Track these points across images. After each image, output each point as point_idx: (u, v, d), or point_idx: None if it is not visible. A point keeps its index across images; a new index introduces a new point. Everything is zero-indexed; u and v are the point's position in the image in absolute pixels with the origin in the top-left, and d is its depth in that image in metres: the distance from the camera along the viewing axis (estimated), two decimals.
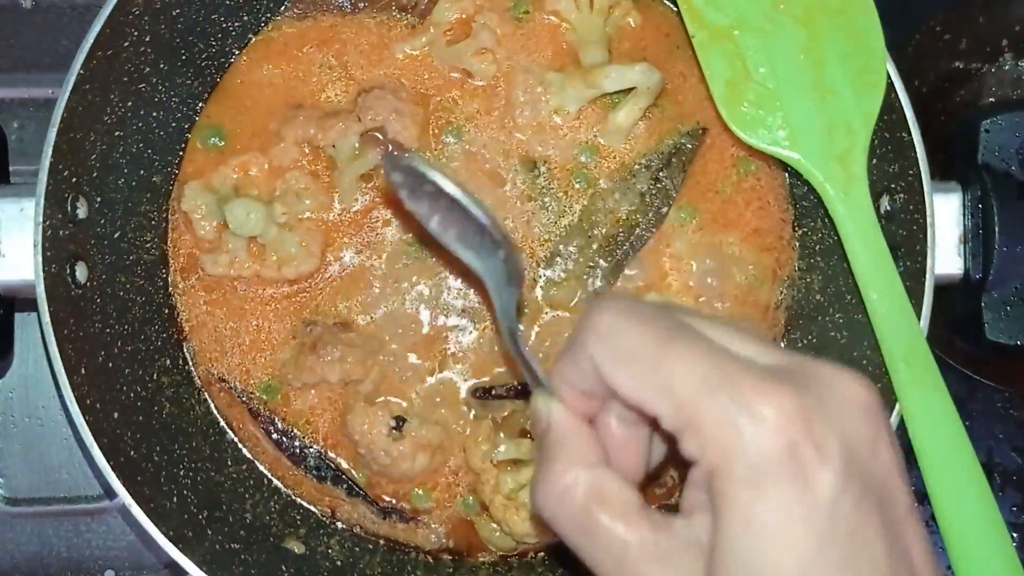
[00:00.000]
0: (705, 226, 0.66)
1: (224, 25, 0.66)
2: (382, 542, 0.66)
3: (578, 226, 0.66)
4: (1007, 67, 0.84)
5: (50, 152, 0.57)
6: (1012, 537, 0.73)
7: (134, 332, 0.63)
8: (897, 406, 0.57)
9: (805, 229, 0.67)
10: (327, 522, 0.66)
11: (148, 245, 0.65)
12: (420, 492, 0.65)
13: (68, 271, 0.58)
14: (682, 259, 0.66)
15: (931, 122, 0.69)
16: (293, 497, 0.66)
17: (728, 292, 0.66)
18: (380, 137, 0.65)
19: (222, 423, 0.66)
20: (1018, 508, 0.82)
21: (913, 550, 0.36)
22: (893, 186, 0.61)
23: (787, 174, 0.67)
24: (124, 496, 0.56)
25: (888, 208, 0.61)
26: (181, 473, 0.62)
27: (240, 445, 0.66)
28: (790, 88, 0.60)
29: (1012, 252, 0.59)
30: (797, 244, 0.67)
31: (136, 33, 0.61)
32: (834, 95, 0.59)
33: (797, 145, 0.60)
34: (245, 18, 0.67)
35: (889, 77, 0.59)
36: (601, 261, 0.65)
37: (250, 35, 0.67)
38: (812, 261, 0.67)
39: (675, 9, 0.66)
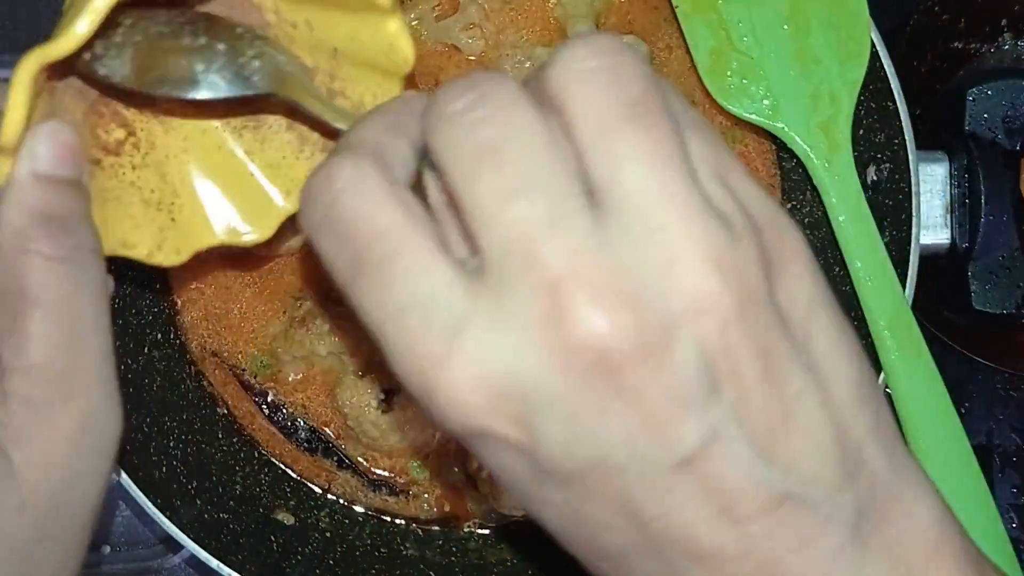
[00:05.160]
0: None
1: None
2: (372, 514, 0.66)
3: None
4: (1006, 47, 0.83)
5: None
6: (1012, 518, 0.73)
7: (125, 305, 0.63)
8: (882, 375, 0.57)
9: (793, 203, 0.67)
10: (318, 494, 0.66)
11: None
12: (416, 464, 0.66)
13: None
14: None
15: (923, 96, 0.69)
16: (284, 470, 0.66)
17: None
18: None
19: (214, 396, 0.67)
20: (1018, 489, 0.82)
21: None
22: (879, 156, 0.61)
23: (775, 146, 0.67)
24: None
25: (875, 178, 0.61)
26: (171, 445, 0.62)
27: (232, 418, 0.67)
28: (774, 57, 0.60)
29: (998, 221, 0.59)
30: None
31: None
32: (818, 64, 0.59)
33: (781, 114, 0.60)
34: None
35: (874, 45, 0.59)
36: None
37: None
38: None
39: None
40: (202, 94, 0.44)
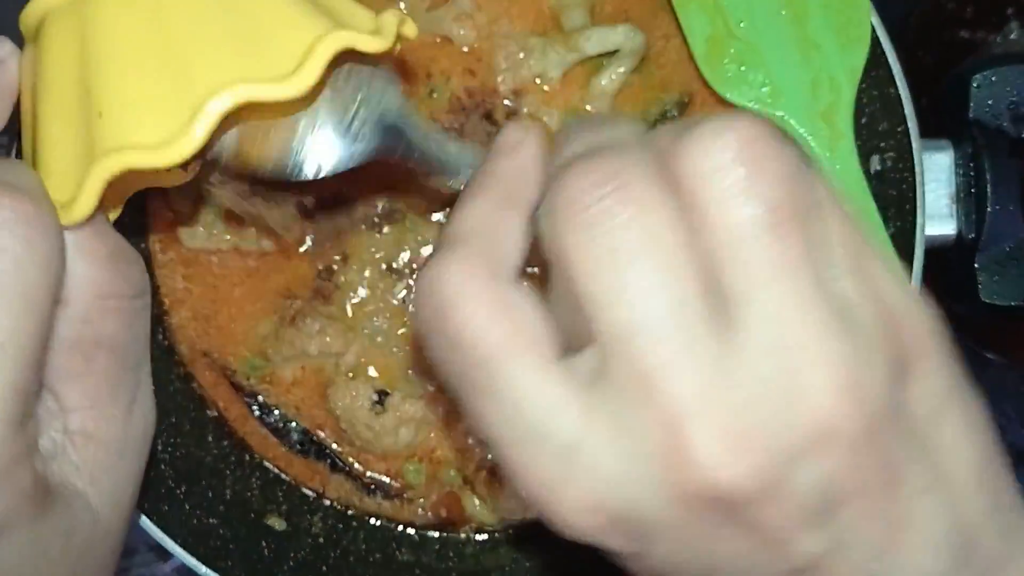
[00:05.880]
0: None
1: None
2: (366, 518, 0.65)
3: None
4: (1013, 36, 0.82)
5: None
6: None
7: None
8: None
9: None
10: (310, 498, 0.65)
11: (124, 219, 0.64)
12: (412, 468, 0.64)
13: None
14: None
15: (927, 84, 0.67)
16: (276, 473, 0.65)
17: None
18: None
19: (204, 398, 0.65)
20: None
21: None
22: (883, 145, 0.59)
23: None
24: None
25: (878, 167, 0.59)
26: (159, 448, 0.61)
27: (222, 420, 0.65)
28: (773, 44, 0.58)
29: (1004, 210, 0.57)
30: None
31: None
32: (818, 50, 0.58)
33: (780, 102, 0.58)
34: None
35: (874, 31, 0.57)
36: None
37: None
38: None
39: None
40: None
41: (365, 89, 0.40)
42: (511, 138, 0.35)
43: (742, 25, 0.59)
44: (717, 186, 0.28)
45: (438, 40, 0.66)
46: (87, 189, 0.36)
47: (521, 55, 0.65)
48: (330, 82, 0.39)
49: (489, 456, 0.61)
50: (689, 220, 0.29)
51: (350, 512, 0.65)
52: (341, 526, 0.65)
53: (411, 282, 0.64)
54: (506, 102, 0.64)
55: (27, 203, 0.35)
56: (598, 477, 0.29)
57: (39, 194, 0.36)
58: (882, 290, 0.30)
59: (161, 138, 0.35)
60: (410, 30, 0.42)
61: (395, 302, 0.64)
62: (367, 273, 0.64)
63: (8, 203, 0.34)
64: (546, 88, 0.65)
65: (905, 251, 0.57)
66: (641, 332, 0.28)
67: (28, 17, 0.39)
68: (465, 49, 0.65)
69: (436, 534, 0.65)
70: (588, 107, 0.65)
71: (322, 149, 0.40)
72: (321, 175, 0.40)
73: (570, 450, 0.29)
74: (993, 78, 0.59)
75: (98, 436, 0.39)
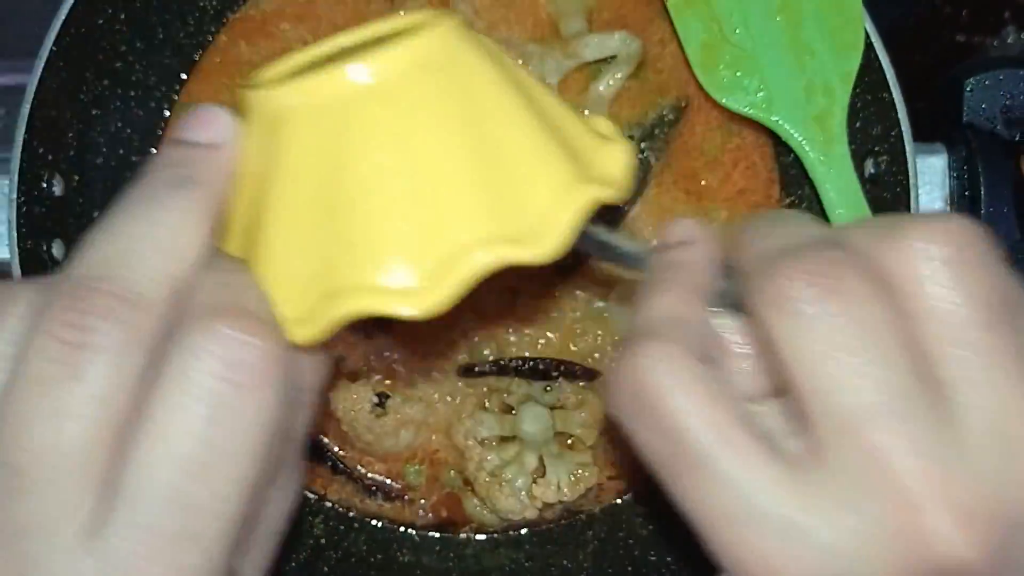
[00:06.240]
0: (691, 189, 0.65)
1: (201, 3, 0.66)
2: (367, 519, 0.65)
3: None
4: (1009, 39, 0.83)
5: (24, 129, 0.57)
6: None
7: None
8: None
9: (792, 198, 0.66)
10: (311, 500, 0.65)
11: None
12: (412, 469, 0.65)
13: (44, 248, 0.58)
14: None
15: (921, 87, 0.68)
16: None
17: None
18: None
19: None
20: None
21: None
22: (877, 148, 0.60)
23: (773, 139, 0.66)
24: None
25: (872, 171, 0.60)
26: None
27: None
28: (767, 49, 0.59)
29: (998, 213, 0.58)
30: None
31: (110, 10, 0.61)
32: (812, 55, 0.58)
33: (775, 107, 0.59)
34: None
35: (868, 36, 0.58)
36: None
37: (228, 13, 0.67)
38: None
39: None
40: None
41: None
42: (686, 232, 0.38)
43: (737, 31, 0.59)
44: (933, 288, 0.31)
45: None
46: (325, 321, 0.35)
47: (519, 61, 0.65)
48: None
49: (491, 458, 0.62)
50: (903, 317, 0.31)
51: (351, 514, 0.65)
52: (342, 527, 0.65)
53: None
54: None
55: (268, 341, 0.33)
56: (823, 554, 0.30)
57: (272, 322, 0.35)
58: None
59: (409, 286, 0.34)
60: (612, 198, 0.39)
61: None
62: None
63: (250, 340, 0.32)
64: None
65: None
66: (869, 418, 0.30)
67: (271, 100, 0.37)
68: None
69: (436, 535, 0.65)
70: (585, 112, 0.65)
71: None
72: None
73: (792, 529, 0.30)
74: (986, 82, 0.60)
75: (270, 513, 0.39)
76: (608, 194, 0.37)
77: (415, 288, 0.34)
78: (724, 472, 0.31)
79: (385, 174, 0.35)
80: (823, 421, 0.30)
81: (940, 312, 0.31)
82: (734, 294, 0.36)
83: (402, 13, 0.65)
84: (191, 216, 0.35)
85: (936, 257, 0.31)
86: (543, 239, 0.35)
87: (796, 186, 0.65)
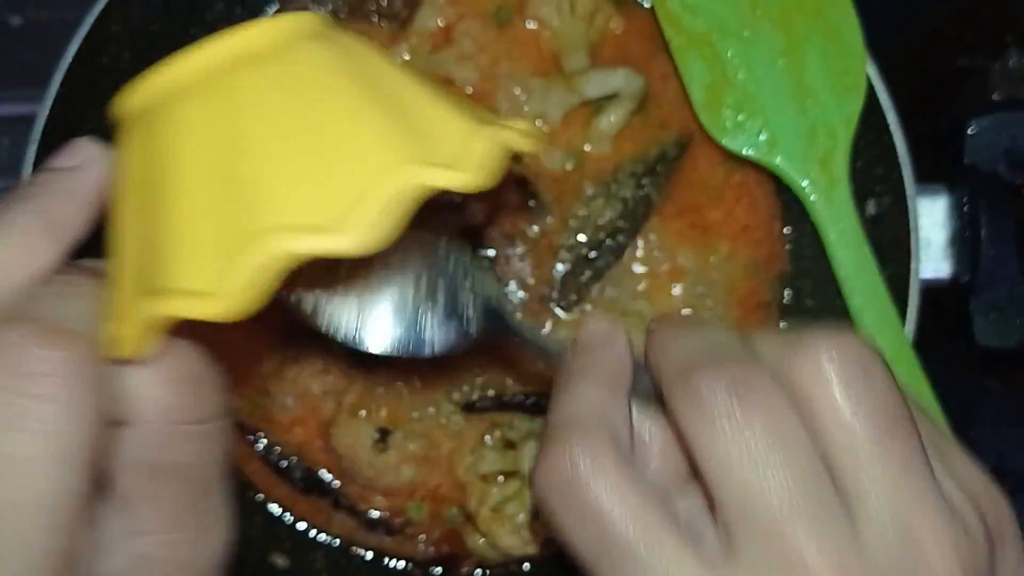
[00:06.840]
0: (695, 223, 0.66)
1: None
2: (369, 555, 0.66)
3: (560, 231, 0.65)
4: (1011, 63, 0.82)
5: (30, 169, 0.57)
6: None
7: None
8: None
9: (797, 234, 0.66)
10: (313, 536, 0.65)
11: None
12: (414, 505, 0.65)
13: None
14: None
15: (923, 126, 0.68)
16: (279, 511, 0.66)
17: (717, 289, 0.65)
18: None
19: None
20: None
21: None
22: (878, 189, 0.60)
23: (775, 176, 0.66)
24: None
25: (874, 212, 0.60)
26: None
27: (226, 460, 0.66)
28: (770, 92, 0.59)
29: (1000, 254, 0.58)
30: (789, 246, 0.66)
31: (115, 49, 0.61)
32: (814, 98, 0.58)
33: (778, 149, 0.59)
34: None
35: (870, 79, 0.58)
36: (585, 269, 0.65)
37: None
38: (802, 266, 0.66)
39: None
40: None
41: (468, 272, 0.41)
42: (602, 329, 0.41)
43: (740, 75, 0.59)
44: (831, 398, 0.34)
45: (441, 81, 0.66)
46: (248, 272, 0.33)
47: (522, 96, 0.65)
48: (434, 263, 0.40)
49: (493, 493, 0.62)
50: (809, 425, 0.34)
51: (352, 549, 0.66)
52: (344, 562, 0.65)
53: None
54: None
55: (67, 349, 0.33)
56: None
57: (87, 337, 0.34)
58: (968, 477, 0.36)
59: (331, 219, 0.33)
60: (526, 145, 0.38)
61: None
62: None
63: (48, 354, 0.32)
64: (547, 128, 0.65)
65: (900, 295, 0.58)
66: (779, 519, 0.32)
67: (148, 88, 0.37)
68: (468, 90, 0.66)
69: (438, 570, 0.66)
70: (587, 147, 0.65)
71: (434, 329, 0.40)
72: (433, 354, 0.41)
73: None
74: (988, 123, 0.60)
75: (169, 560, 0.38)
76: (521, 143, 0.37)
77: (340, 220, 0.33)
78: (644, 563, 0.33)
79: (281, 132, 0.34)
80: (737, 520, 0.33)
81: (839, 424, 0.34)
82: (650, 387, 0.38)
83: (413, 38, 0.66)
84: (27, 234, 0.36)
85: (835, 375, 0.34)
86: (466, 165, 0.34)
87: (798, 223, 0.65)
